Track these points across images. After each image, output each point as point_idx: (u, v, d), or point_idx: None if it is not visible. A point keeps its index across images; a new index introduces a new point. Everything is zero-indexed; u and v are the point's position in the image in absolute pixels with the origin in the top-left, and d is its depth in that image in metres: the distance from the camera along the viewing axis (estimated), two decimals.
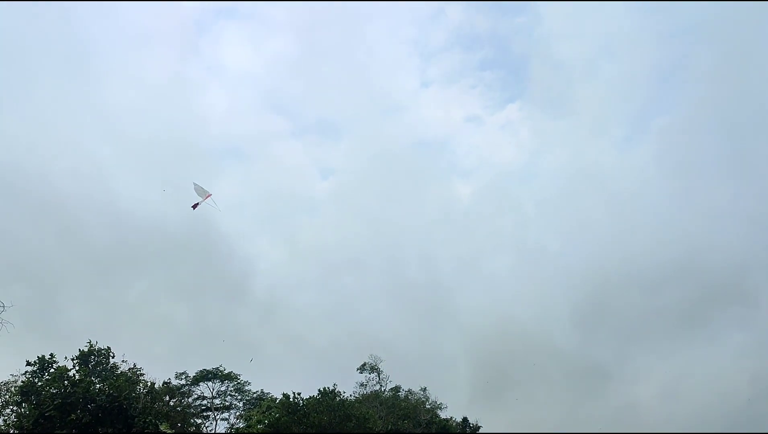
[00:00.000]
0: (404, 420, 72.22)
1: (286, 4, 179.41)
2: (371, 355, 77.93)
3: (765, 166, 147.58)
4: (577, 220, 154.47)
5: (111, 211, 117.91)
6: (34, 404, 47.69)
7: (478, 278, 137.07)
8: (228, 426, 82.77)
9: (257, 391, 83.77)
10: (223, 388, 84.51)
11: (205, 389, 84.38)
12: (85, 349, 52.52)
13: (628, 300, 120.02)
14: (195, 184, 55.61)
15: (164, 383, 73.41)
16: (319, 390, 63.55)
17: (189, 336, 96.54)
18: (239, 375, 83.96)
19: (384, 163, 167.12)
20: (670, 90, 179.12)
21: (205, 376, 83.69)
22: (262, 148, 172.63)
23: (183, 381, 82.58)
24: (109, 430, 48.44)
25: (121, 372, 53.36)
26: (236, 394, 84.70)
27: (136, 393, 50.97)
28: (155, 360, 57.18)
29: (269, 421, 61.89)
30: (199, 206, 56.47)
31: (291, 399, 63.11)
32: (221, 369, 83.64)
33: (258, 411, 72.73)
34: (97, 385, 50.87)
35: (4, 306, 35.81)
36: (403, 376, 78.43)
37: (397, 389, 76.54)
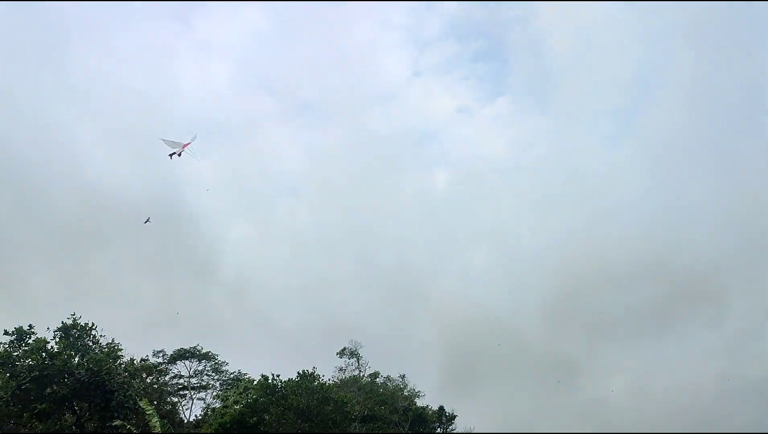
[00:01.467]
0: (381, 405, 72.55)
1: None
2: (351, 341, 78.12)
3: (739, 165, 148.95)
4: (553, 214, 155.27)
5: (74, 179, 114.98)
6: (8, 375, 47.11)
7: (452, 266, 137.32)
8: (204, 406, 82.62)
9: (234, 372, 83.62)
10: (200, 368, 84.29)
11: (182, 368, 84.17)
12: (69, 322, 51.76)
13: (599, 296, 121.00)
14: (164, 140, 52.40)
15: (142, 360, 73.11)
16: (298, 373, 63.39)
17: (156, 313, 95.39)
18: (217, 355, 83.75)
19: (367, 149, 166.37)
20: (651, 88, 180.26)
21: (182, 355, 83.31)
22: (240, 127, 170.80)
23: (160, 359, 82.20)
24: (86, 405, 48.18)
25: (101, 346, 52.77)
26: (213, 374, 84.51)
27: (115, 368, 50.62)
28: (122, 336, 56.20)
29: (246, 402, 61.69)
30: (178, 156, 51.71)
31: (270, 381, 62.96)
32: (198, 348, 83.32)
33: (235, 392, 72.65)
34: (76, 359, 50.50)
35: None
36: (376, 361, 78.67)
37: (375, 375, 76.76)
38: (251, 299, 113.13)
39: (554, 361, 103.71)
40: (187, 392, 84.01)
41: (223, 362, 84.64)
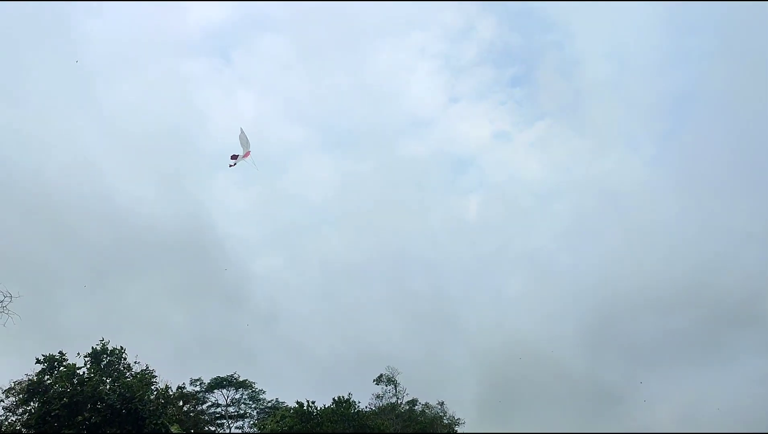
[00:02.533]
0: None
1: (319, 15, 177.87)
2: (388, 367, 76.13)
3: None
4: (590, 237, 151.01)
5: (106, 209, 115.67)
6: (41, 402, 46.76)
7: (486, 291, 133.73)
8: None
9: (272, 400, 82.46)
10: (237, 396, 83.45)
11: (219, 397, 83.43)
12: (98, 347, 51.42)
13: (639, 322, 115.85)
14: (241, 131, 51.14)
15: (178, 388, 72.47)
16: (334, 399, 61.95)
17: (188, 342, 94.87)
18: (254, 383, 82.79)
19: (400, 175, 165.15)
20: (687, 108, 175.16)
21: (219, 383, 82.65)
22: (275, 157, 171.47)
23: (198, 388, 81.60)
24: (118, 431, 47.36)
25: (135, 373, 52.16)
26: (251, 402, 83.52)
27: (148, 395, 49.86)
28: (156, 364, 55.60)
29: (281, 430, 60.26)
30: (236, 164, 50.12)
31: (305, 408, 61.57)
32: (236, 376, 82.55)
33: (272, 420, 71.31)
34: (108, 385, 49.98)
35: (12, 296, 35.24)
36: (411, 388, 76.37)
37: (413, 402, 74.52)
38: (283, 326, 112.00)
39: (595, 388, 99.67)
40: (225, 421, 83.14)
41: (260, 390, 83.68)
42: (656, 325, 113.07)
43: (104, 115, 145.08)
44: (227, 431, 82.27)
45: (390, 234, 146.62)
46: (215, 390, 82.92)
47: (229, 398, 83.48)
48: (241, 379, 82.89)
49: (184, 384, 73.58)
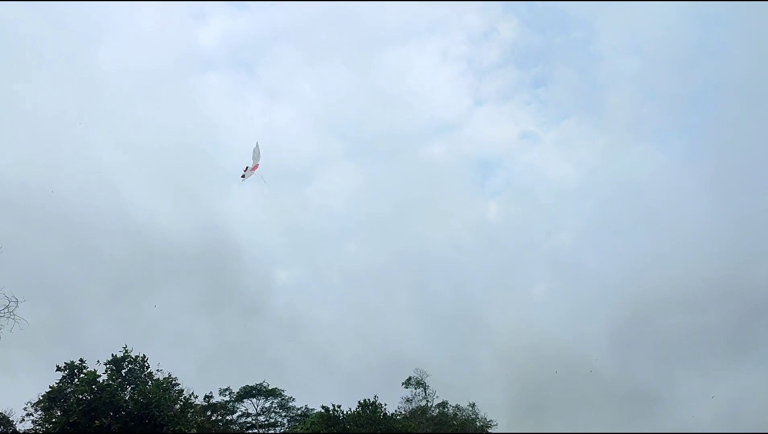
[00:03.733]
0: None
1: (340, 22, 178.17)
2: (417, 370, 74.51)
3: None
4: (616, 236, 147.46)
5: (123, 223, 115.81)
6: (61, 410, 46.57)
7: (511, 295, 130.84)
8: None
9: (301, 407, 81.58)
10: (267, 405, 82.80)
11: (249, 406, 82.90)
12: (119, 355, 51.10)
13: (670, 320, 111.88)
14: (257, 145, 51.98)
15: (206, 397, 72.13)
16: (359, 403, 60.64)
17: (213, 353, 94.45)
18: (283, 391, 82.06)
19: (424, 179, 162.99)
20: (718, 102, 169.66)
21: (248, 392, 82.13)
22: (299, 166, 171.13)
23: (227, 397, 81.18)
24: None
25: (154, 379, 51.66)
26: (281, 411, 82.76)
27: (167, 401, 49.27)
28: (182, 376, 55.29)
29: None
30: (247, 178, 51.95)
31: (330, 412, 60.45)
32: (265, 385, 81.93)
33: (302, 427, 70.40)
34: (127, 393, 49.61)
35: (18, 301, 34.96)
36: (440, 392, 74.52)
37: (444, 405, 72.69)
38: (306, 335, 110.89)
39: (628, 389, 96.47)
40: (256, 430, 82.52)
41: (289, 398, 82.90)
42: (687, 322, 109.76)
43: (116, 129, 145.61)
44: None
45: (411, 239, 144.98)
46: (245, 400, 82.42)
47: (259, 407, 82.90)
48: (270, 388, 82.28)
49: (211, 393, 73.56)
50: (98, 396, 46.65)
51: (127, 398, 48.29)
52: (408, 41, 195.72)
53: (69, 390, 48.02)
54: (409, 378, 72.97)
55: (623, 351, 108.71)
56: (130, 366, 51.39)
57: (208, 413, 71.88)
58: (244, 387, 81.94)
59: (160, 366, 55.85)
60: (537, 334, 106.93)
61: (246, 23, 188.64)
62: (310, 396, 77.51)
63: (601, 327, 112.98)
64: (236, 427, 79.80)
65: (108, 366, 50.18)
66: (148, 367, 53.49)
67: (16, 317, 34.33)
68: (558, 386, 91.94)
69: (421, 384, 72.63)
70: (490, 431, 70.94)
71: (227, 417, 79.38)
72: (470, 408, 72.19)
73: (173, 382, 55.97)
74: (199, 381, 69.52)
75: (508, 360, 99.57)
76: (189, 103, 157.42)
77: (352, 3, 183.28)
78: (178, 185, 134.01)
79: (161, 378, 54.23)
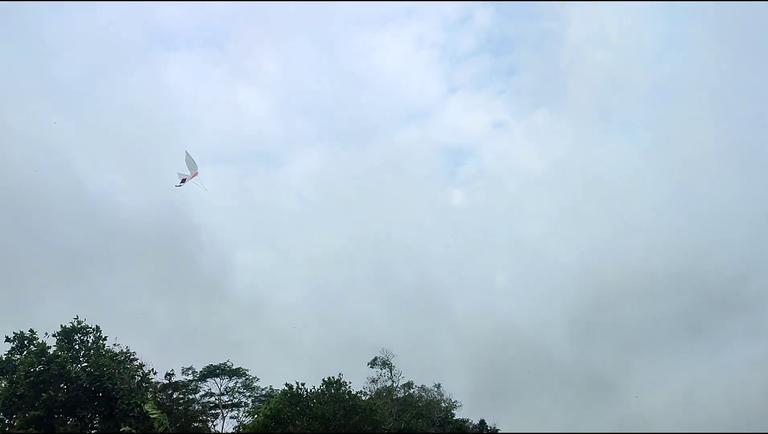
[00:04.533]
0: (418, 419, 67.41)
1: (308, 5, 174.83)
2: (383, 349, 73.24)
3: None
4: (578, 226, 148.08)
5: (76, 199, 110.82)
6: (8, 382, 44.50)
7: (474, 281, 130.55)
8: (237, 424, 79.16)
9: (266, 387, 79.90)
10: (231, 385, 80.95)
11: (212, 385, 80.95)
12: (69, 326, 48.96)
13: (627, 309, 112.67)
14: (187, 154, 50.72)
15: (167, 374, 70.10)
16: (324, 380, 59.25)
17: (172, 334, 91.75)
18: (247, 370, 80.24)
19: (395, 165, 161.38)
20: (677, 92, 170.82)
21: (212, 372, 80.00)
22: (270, 150, 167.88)
23: (190, 377, 79.19)
24: (88, 414, 44.98)
25: (108, 351, 49.68)
26: (245, 391, 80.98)
27: (121, 374, 47.41)
28: (141, 356, 53.43)
29: (268, 413, 57.70)
30: (185, 184, 50.29)
31: (294, 389, 59.01)
32: (228, 364, 79.98)
33: (266, 407, 68.87)
34: (81, 365, 47.65)
35: None
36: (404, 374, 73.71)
37: (410, 385, 71.64)
38: (267, 317, 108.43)
39: (586, 375, 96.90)
40: (219, 410, 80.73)
41: (254, 378, 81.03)
42: (643, 311, 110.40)
43: (69, 102, 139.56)
44: (221, 420, 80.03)
45: (376, 223, 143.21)
46: (208, 379, 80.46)
47: (223, 387, 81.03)
48: (234, 367, 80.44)
49: (173, 370, 71.50)
50: (47, 367, 44.60)
51: (78, 370, 46.30)
52: (384, 25, 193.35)
53: (17, 360, 45.96)
54: (375, 359, 71.71)
55: (582, 338, 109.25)
56: (82, 337, 49.41)
57: (169, 392, 69.95)
58: (207, 367, 79.65)
59: (117, 340, 54.16)
60: (498, 320, 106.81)
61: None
62: (273, 378, 75.70)
63: (561, 315, 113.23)
64: (199, 407, 77.92)
65: (58, 337, 48.10)
66: (103, 339, 51.55)
67: None
68: (517, 371, 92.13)
69: (387, 364, 71.51)
70: (455, 413, 70.13)
71: (189, 396, 77.47)
72: (436, 389, 71.39)
73: (131, 357, 54.18)
74: (158, 363, 67.14)
75: (470, 345, 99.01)
76: (148, 79, 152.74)
77: None
78: (135, 162, 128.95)
79: (119, 352, 52.45)
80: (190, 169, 50.75)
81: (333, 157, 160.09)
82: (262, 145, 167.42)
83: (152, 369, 57.01)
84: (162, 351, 70.93)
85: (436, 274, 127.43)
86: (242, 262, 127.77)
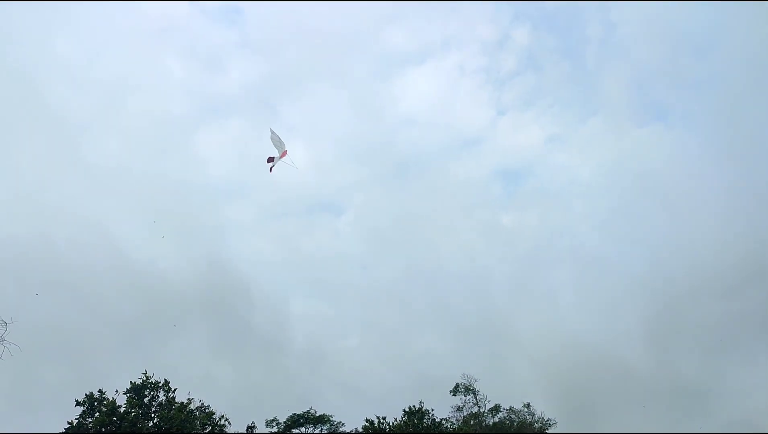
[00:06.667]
0: None
1: (354, 50, 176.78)
2: (464, 375, 69.38)
3: None
4: (636, 226, 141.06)
5: (124, 272, 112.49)
6: None
7: (535, 298, 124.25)
8: None
9: (352, 430, 77.31)
10: (317, 432, 78.84)
11: None
12: (138, 382, 48.25)
13: (705, 307, 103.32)
14: (272, 132, 46.81)
15: (248, 427, 68.80)
16: (404, 410, 56.42)
17: (237, 394, 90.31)
18: (331, 416, 78.02)
19: (443, 198, 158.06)
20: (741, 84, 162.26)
21: (296, 421, 78.37)
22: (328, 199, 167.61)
23: (275, 428, 77.59)
24: None
25: (180, 404, 48.52)
26: None
27: (191, 424, 46.11)
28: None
29: None
30: (275, 166, 46.13)
31: (375, 425, 56.43)
32: (312, 412, 78.09)
33: None
34: (153, 421, 46.70)
35: (6, 325, 32.57)
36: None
37: (497, 408, 67.30)
38: (330, 364, 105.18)
39: (674, 384, 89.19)
40: None
41: (339, 423, 78.75)
42: (724, 308, 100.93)
43: (103, 175, 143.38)
44: None
45: (426, 254, 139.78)
46: (293, 430, 78.68)
47: None
48: (317, 414, 78.44)
49: (254, 423, 70.06)
50: (119, 426, 43.78)
51: (150, 426, 45.33)
52: (425, 60, 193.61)
53: (89, 423, 45.35)
54: (457, 385, 67.88)
55: (660, 345, 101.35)
56: (152, 393, 48.58)
57: None
58: (291, 416, 78.14)
59: (190, 394, 53.08)
60: (569, 338, 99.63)
61: (263, 65, 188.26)
62: (350, 424, 73.25)
63: (635, 323, 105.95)
64: None
65: (128, 395, 47.39)
66: (172, 390, 50.44)
67: (5, 342, 32.20)
68: (599, 389, 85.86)
69: (470, 389, 67.59)
70: (549, 431, 65.36)
71: None
72: (526, 409, 66.84)
73: (205, 409, 52.90)
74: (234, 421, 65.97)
75: (544, 367, 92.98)
76: (182, 147, 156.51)
77: (363, 29, 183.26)
78: (175, 227, 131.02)
79: (192, 407, 51.25)
80: (277, 147, 47.41)
81: (384, 195, 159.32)
82: (318, 196, 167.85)
83: (224, 415, 55.49)
84: (231, 410, 69.37)
85: (495, 298, 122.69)
86: (297, 313, 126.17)
